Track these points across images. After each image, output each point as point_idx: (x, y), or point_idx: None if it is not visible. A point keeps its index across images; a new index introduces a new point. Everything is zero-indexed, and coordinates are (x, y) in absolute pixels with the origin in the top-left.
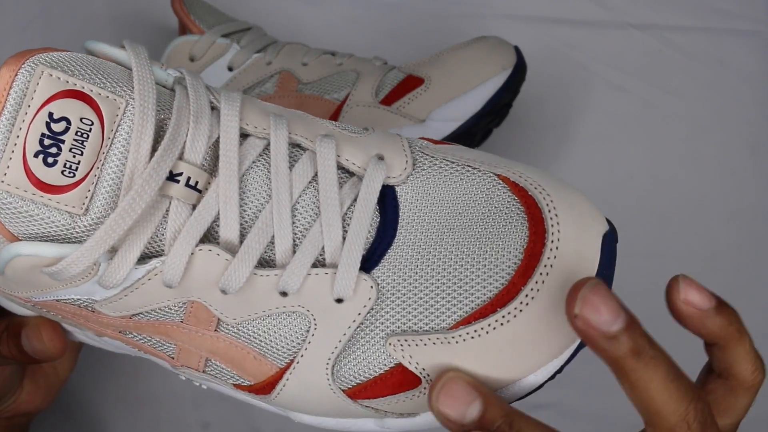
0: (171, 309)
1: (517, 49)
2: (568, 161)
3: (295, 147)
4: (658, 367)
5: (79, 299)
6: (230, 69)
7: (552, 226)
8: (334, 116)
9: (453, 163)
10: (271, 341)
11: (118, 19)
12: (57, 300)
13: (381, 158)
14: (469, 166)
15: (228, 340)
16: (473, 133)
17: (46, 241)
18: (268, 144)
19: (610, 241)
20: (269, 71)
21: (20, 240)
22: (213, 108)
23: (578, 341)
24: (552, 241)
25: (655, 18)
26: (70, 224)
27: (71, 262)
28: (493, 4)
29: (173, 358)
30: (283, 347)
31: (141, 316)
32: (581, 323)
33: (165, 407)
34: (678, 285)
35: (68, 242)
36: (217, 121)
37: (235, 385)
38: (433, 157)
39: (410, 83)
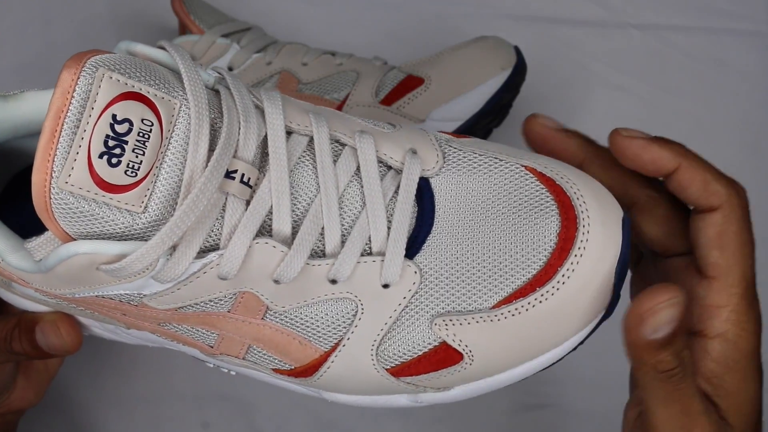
0: (220, 300)
1: (517, 49)
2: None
3: (334, 142)
4: None
5: (128, 294)
6: (230, 69)
7: (582, 212)
8: None
9: (481, 155)
10: (317, 327)
11: (118, 19)
12: (100, 296)
13: (414, 152)
14: (496, 158)
15: (274, 327)
16: (473, 132)
17: (104, 239)
18: (311, 140)
19: (627, 224)
20: (269, 71)
21: (75, 239)
22: (256, 107)
23: (602, 314)
24: (584, 226)
25: (655, 18)
26: (129, 222)
27: (135, 260)
28: (493, 4)
29: (212, 346)
30: (329, 332)
31: (188, 308)
32: None
33: (165, 407)
34: (618, 129)
35: (126, 240)
36: (263, 119)
37: (274, 369)
38: (460, 150)
39: (410, 83)
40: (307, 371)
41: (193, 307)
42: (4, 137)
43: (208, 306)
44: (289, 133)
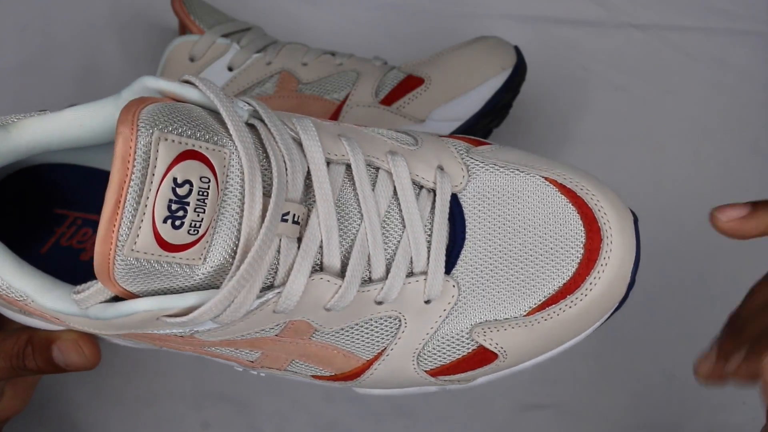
0: (272, 329)
1: (517, 49)
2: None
3: (368, 166)
4: None
5: (181, 332)
6: (230, 69)
7: (604, 224)
8: (334, 116)
9: (502, 168)
10: (362, 341)
11: (118, 19)
12: (147, 332)
13: (442, 169)
14: (517, 170)
15: (320, 345)
16: (473, 133)
17: (164, 293)
18: (347, 167)
19: (637, 227)
20: (269, 71)
21: (138, 296)
22: (293, 139)
23: (615, 308)
24: (607, 237)
25: (655, 18)
26: (189, 274)
27: (203, 313)
28: (493, 4)
29: (252, 362)
30: (373, 344)
31: (239, 336)
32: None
33: (165, 407)
34: (715, 214)
35: (186, 291)
36: (302, 152)
37: (314, 376)
38: (482, 162)
39: (410, 83)
40: (348, 377)
41: (243, 336)
42: (4, 163)
43: (258, 334)
44: (327, 163)
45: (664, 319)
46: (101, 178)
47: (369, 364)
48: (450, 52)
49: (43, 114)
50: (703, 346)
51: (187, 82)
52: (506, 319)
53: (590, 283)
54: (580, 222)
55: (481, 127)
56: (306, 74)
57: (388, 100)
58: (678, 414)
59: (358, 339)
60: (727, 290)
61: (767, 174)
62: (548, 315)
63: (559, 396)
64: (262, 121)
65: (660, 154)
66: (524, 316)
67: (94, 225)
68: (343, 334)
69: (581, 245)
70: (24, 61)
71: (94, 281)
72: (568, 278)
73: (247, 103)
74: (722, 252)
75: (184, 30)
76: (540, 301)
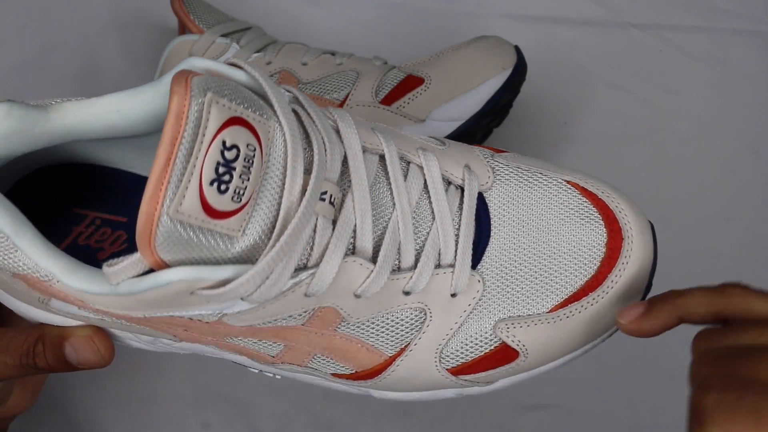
0: (299, 315)
1: (517, 49)
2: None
3: (399, 159)
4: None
5: (209, 314)
6: None
7: (625, 224)
8: None
9: (526, 170)
10: (387, 334)
11: (118, 18)
12: (174, 316)
13: (469, 168)
14: (540, 173)
15: (345, 337)
16: (473, 132)
17: (200, 264)
18: (381, 158)
19: (654, 231)
20: (269, 71)
21: (170, 266)
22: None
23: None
24: (628, 236)
25: (655, 17)
26: (227, 247)
27: (239, 285)
28: (493, 4)
29: (273, 356)
30: (397, 338)
31: (265, 323)
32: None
33: (165, 407)
34: (617, 319)
35: (223, 264)
36: (339, 138)
37: (333, 374)
38: (507, 165)
39: (410, 83)
40: (369, 375)
41: (270, 323)
42: (38, 146)
43: (285, 321)
44: (362, 151)
45: None
46: (123, 179)
47: (391, 360)
48: (450, 52)
49: (81, 99)
50: None
51: (232, 65)
52: (529, 315)
53: (612, 281)
54: (602, 222)
55: (481, 127)
56: (306, 74)
57: (388, 99)
58: (678, 414)
59: (383, 332)
60: None
61: (767, 174)
62: (570, 312)
63: (559, 396)
64: (303, 108)
65: (660, 154)
66: (547, 312)
67: (114, 225)
68: (368, 326)
69: (603, 244)
70: (23, 61)
71: (127, 255)
72: (591, 275)
73: (288, 91)
74: (723, 252)
75: (183, 29)
76: (563, 297)
